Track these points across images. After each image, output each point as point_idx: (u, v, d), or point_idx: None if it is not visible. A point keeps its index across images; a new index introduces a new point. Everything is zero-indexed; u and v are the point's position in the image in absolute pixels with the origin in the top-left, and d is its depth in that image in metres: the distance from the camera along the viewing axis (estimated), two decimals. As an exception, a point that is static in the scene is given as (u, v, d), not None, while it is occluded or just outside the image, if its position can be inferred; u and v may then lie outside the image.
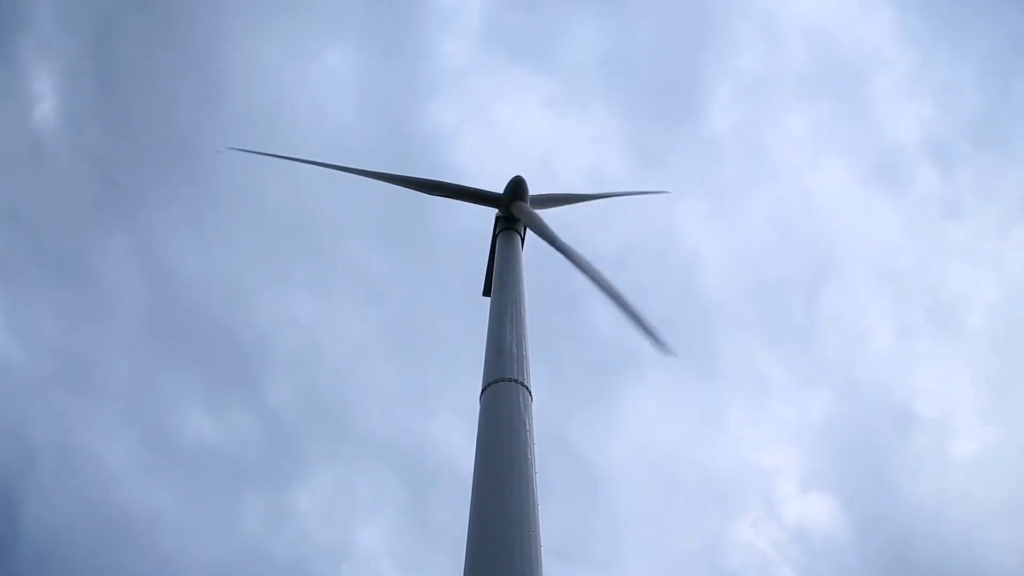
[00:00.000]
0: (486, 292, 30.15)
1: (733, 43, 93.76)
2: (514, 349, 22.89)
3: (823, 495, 77.95)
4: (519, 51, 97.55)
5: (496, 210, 30.89)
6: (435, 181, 32.29)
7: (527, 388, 21.49)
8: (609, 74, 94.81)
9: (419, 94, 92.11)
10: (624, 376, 78.66)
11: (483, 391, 21.47)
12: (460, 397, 70.69)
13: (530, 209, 30.22)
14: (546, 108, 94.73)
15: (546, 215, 30.46)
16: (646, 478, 74.92)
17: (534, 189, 31.45)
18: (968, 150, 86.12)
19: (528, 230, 29.83)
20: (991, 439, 78.83)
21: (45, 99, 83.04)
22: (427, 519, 72.60)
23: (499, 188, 31.45)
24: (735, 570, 71.35)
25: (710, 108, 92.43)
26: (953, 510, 71.96)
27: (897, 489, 72.00)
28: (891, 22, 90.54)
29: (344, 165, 32.39)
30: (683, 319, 79.26)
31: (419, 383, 77.75)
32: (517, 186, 30.55)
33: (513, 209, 30.10)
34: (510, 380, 21.40)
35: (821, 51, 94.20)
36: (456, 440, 71.28)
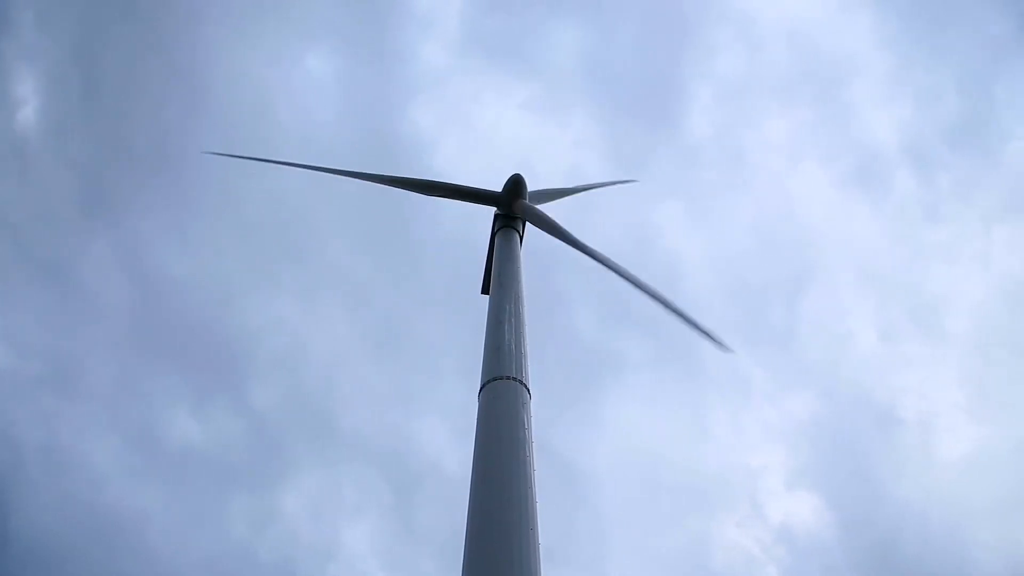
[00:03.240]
0: (484, 290, 30.07)
1: (713, 47, 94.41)
2: (513, 347, 22.81)
3: (808, 496, 78.52)
4: (499, 54, 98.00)
5: (495, 208, 30.74)
6: (432, 181, 32.11)
7: (526, 386, 21.41)
8: (589, 78, 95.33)
9: (400, 97, 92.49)
10: (607, 378, 79.12)
11: (481, 389, 21.40)
12: (445, 399, 71.07)
13: (535, 207, 30.25)
14: (526, 111, 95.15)
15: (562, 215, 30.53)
16: (631, 479, 75.25)
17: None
18: (947, 153, 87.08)
19: (531, 227, 29.74)
20: (976, 439, 79.60)
21: (28, 103, 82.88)
22: (413, 520, 72.89)
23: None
24: (721, 570, 71.74)
25: (690, 112, 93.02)
26: (938, 510, 72.63)
27: (882, 489, 72.58)
28: (870, 26, 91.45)
29: (343, 169, 32.21)
30: (665, 322, 79.49)
31: (404, 385, 78.00)
32: (516, 184, 30.44)
33: (516, 208, 30.04)
34: (509, 378, 21.30)
35: (801, 55, 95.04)
36: (441, 442, 71.61)
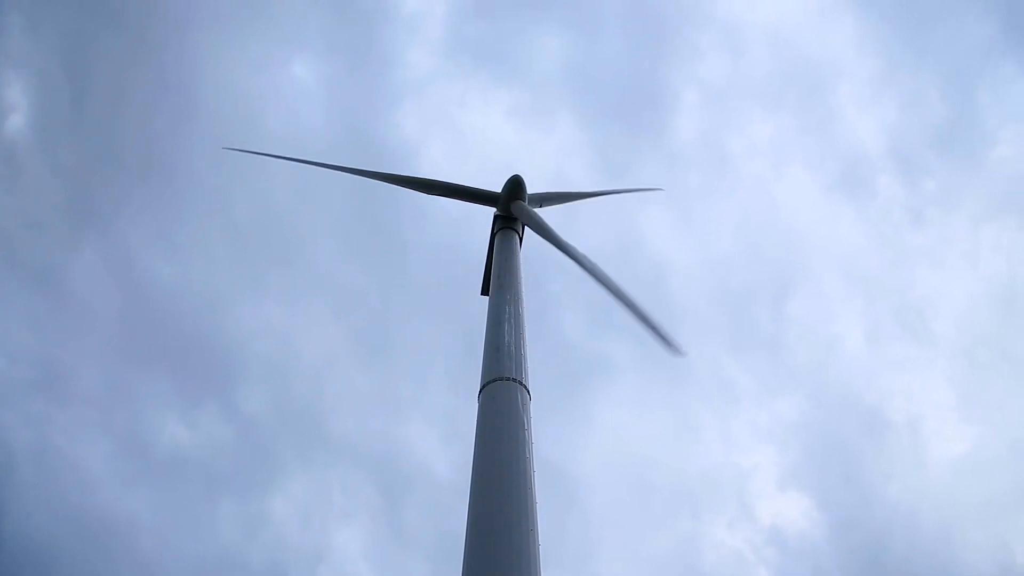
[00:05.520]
0: (484, 291, 30.18)
1: (697, 52, 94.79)
2: (512, 348, 22.88)
3: (798, 497, 78.87)
4: (484, 60, 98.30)
5: (494, 209, 30.90)
6: (435, 180, 32.51)
7: (525, 387, 21.50)
8: (574, 83, 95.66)
9: (386, 103, 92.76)
10: (595, 382, 79.34)
11: (481, 390, 21.48)
12: (434, 404, 71.28)
13: (530, 208, 30.32)
14: (512, 117, 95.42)
15: (544, 213, 30.72)
16: (619, 482, 75.62)
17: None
18: (932, 156, 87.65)
19: (528, 230, 29.80)
20: (965, 441, 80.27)
21: (17, 109, 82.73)
22: (403, 524, 73.04)
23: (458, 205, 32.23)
24: (712, 571, 71.96)
25: (675, 116, 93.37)
26: (927, 512, 73.15)
27: (872, 491, 73.03)
28: (853, 30, 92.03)
29: (345, 166, 32.46)
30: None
31: (393, 389, 78.15)
32: (516, 185, 30.58)
33: (513, 209, 30.15)
34: (508, 379, 21.39)
35: (784, 59, 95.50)
36: (430, 446, 71.85)
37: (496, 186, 31.50)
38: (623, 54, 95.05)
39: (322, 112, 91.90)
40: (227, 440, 76.87)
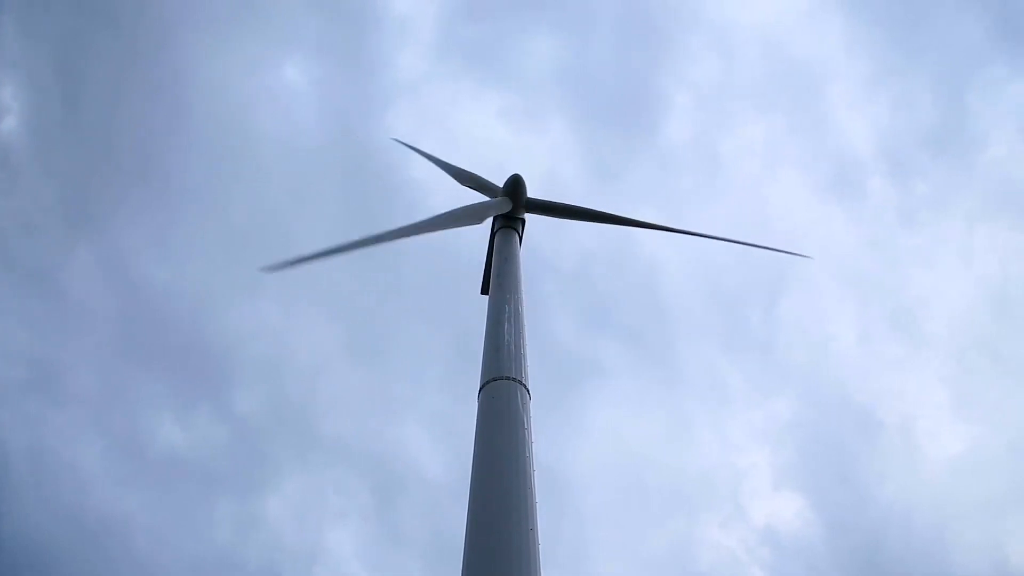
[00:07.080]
0: (484, 290, 30.11)
1: (688, 54, 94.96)
2: (512, 347, 22.92)
3: (793, 497, 78.95)
4: (476, 62, 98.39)
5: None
6: (437, 218, 28.90)
7: (525, 386, 21.54)
8: (566, 85, 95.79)
9: (378, 104, 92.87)
10: (588, 383, 79.39)
11: (481, 389, 21.50)
12: (428, 404, 71.34)
13: (534, 199, 30.72)
14: (503, 118, 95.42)
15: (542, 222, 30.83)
16: (614, 482, 75.61)
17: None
18: (924, 158, 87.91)
19: (529, 227, 29.94)
20: (958, 442, 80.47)
21: (11, 112, 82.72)
22: (396, 524, 73.15)
23: (464, 196, 32.25)
24: (706, 572, 72.06)
25: (667, 118, 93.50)
26: (921, 511, 73.31)
27: (866, 491, 73.13)
28: (844, 32, 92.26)
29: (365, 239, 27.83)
30: (645, 327, 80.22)
31: (386, 390, 78.13)
32: (516, 184, 30.73)
33: (516, 206, 30.32)
34: (508, 379, 21.42)
35: (776, 61, 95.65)
36: (423, 446, 71.96)
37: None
38: (615, 56, 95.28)
39: (314, 113, 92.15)
40: (222, 441, 77.04)
